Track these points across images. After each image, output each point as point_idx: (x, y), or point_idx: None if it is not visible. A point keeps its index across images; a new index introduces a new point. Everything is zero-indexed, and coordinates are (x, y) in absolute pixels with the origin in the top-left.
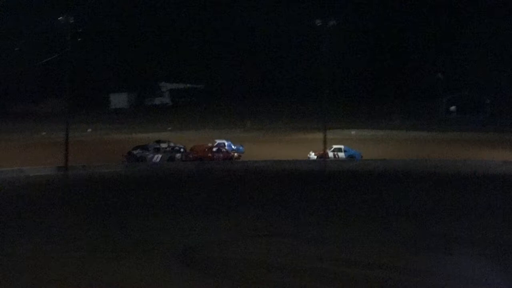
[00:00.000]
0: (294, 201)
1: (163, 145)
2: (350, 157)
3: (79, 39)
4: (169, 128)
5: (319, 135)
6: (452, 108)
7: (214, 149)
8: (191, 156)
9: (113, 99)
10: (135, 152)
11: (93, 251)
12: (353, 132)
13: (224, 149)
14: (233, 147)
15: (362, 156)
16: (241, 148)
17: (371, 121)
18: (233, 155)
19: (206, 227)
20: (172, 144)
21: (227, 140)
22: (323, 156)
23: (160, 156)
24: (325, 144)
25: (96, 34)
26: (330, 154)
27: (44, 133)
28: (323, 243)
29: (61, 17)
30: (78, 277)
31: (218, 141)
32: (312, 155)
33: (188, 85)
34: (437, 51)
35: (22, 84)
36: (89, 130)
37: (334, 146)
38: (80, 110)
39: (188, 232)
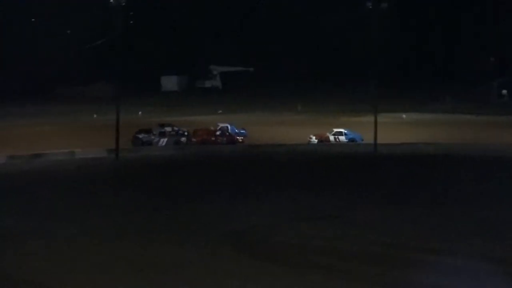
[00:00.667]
0: (343, 185)
1: (168, 129)
2: (351, 141)
3: (131, 22)
4: (220, 111)
5: (370, 118)
6: (504, 92)
7: (218, 133)
8: (194, 140)
9: (164, 82)
10: (140, 136)
11: (140, 233)
12: (404, 116)
13: (227, 133)
14: (236, 130)
15: (362, 139)
16: (243, 131)
17: (422, 105)
18: (237, 139)
19: (252, 211)
20: (176, 128)
21: (230, 123)
22: (324, 139)
23: (165, 140)
24: (376, 127)
25: (148, 16)
26: (331, 138)
27: (95, 115)
28: (369, 226)
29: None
30: (127, 260)
31: (221, 125)
32: (313, 139)
33: (238, 68)
34: (489, 34)
35: (73, 67)
36: (140, 113)
37: (335, 130)
38: (131, 93)
39: (234, 216)
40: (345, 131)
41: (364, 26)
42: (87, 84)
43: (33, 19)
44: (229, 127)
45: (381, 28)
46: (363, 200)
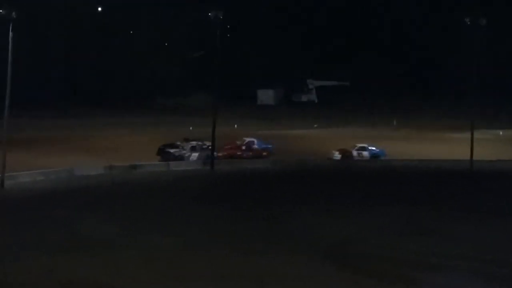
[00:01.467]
0: (440, 200)
1: (193, 143)
2: (374, 156)
3: (228, 35)
4: (316, 125)
5: (466, 135)
6: None
7: (243, 147)
8: (220, 154)
9: (260, 95)
10: (171, 150)
11: (235, 244)
12: (501, 133)
13: (254, 147)
14: (262, 145)
15: (386, 154)
16: (269, 146)
17: None
18: (262, 153)
19: (350, 224)
20: (200, 142)
21: (257, 138)
22: (347, 155)
23: (197, 154)
24: (472, 143)
25: (245, 30)
26: (355, 153)
27: (191, 128)
28: (469, 242)
29: (210, 13)
30: (220, 270)
31: (247, 139)
32: (336, 154)
33: (334, 82)
34: None
35: (172, 78)
36: (236, 125)
37: (359, 145)
38: (228, 105)
39: (333, 228)
40: (369, 146)
41: (464, 41)
42: (186, 96)
43: (131, 31)
44: (255, 141)
45: (481, 44)
46: (462, 214)
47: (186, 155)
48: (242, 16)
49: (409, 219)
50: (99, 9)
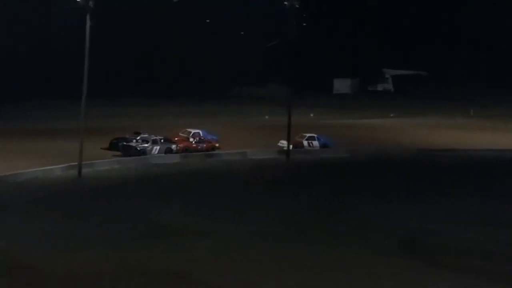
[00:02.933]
0: None
1: (144, 136)
2: (324, 146)
3: (304, 24)
4: (392, 115)
5: None
6: None
7: (191, 140)
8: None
9: (336, 84)
10: (134, 144)
11: (306, 234)
12: None
13: (207, 139)
14: (208, 136)
15: (334, 144)
16: (215, 137)
17: None
18: (215, 145)
19: (423, 214)
20: (154, 136)
21: (201, 129)
22: (297, 145)
23: (158, 147)
24: None
25: (321, 18)
26: (305, 143)
27: (267, 117)
28: None
29: (286, 2)
30: (298, 261)
31: (192, 131)
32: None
33: (411, 71)
34: None
35: (247, 68)
36: (312, 115)
37: (307, 135)
38: (303, 95)
39: (405, 219)
40: (318, 136)
41: None
42: (261, 85)
43: (207, 20)
44: (200, 132)
45: None
46: None
47: (149, 148)
48: (318, 5)
49: (485, 211)
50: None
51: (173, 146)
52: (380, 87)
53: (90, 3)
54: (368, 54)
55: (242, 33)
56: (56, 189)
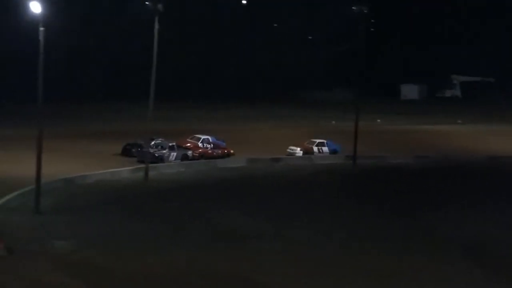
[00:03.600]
0: None
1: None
2: (333, 152)
3: (372, 29)
4: (459, 121)
5: None
6: None
7: (200, 145)
8: (196, 154)
9: (404, 90)
10: (151, 150)
11: (373, 240)
12: None
13: (221, 145)
14: (216, 141)
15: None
16: (224, 142)
17: None
18: (231, 151)
19: (492, 221)
20: (163, 140)
21: (210, 135)
22: (307, 151)
23: (175, 154)
24: None
25: (389, 24)
26: (315, 149)
27: (333, 122)
28: None
29: (355, 7)
30: (368, 267)
31: (202, 137)
32: (298, 151)
33: (479, 78)
34: None
35: (316, 72)
36: (379, 120)
37: (317, 140)
38: (371, 100)
39: (473, 225)
40: (327, 142)
41: None
42: (327, 90)
43: (275, 24)
44: (210, 138)
45: None
46: None
47: (166, 155)
48: (387, 10)
49: None
50: (244, 1)
51: (189, 153)
52: (448, 93)
53: (159, 6)
54: (437, 60)
55: (310, 37)
56: (124, 191)
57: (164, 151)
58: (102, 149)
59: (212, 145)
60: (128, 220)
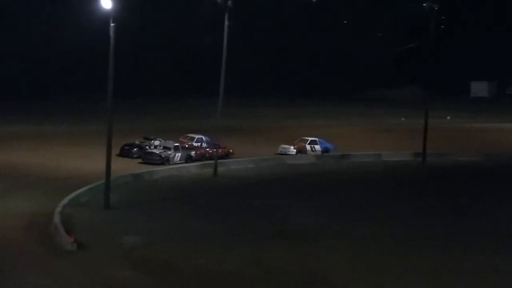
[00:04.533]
0: None
1: (156, 143)
2: (325, 151)
3: (442, 26)
4: None
5: None
6: None
7: (196, 144)
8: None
9: (474, 87)
10: (157, 151)
11: (438, 239)
12: None
13: (221, 144)
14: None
15: (335, 149)
16: (216, 143)
17: None
18: (230, 150)
19: None
20: (162, 140)
21: (204, 134)
22: (301, 149)
23: (179, 154)
24: None
25: (459, 21)
26: (308, 147)
27: (403, 118)
28: None
29: (425, 4)
30: (430, 266)
31: (196, 136)
32: (291, 149)
33: None
34: None
35: (381, 69)
36: (449, 117)
37: (310, 139)
38: (440, 97)
39: None
40: (319, 140)
41: None
42: (395, 88)
43: (345, 21)
44: (204, 138)
45: None
46: None
47: (172, 155)
48: (457, 8)
49: None
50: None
51: (193, 153)
52: None
53: (229, 2)
54: (507, 56)
55: (379, 34)
56: (192, 187)
57: (170, 152)
58: None
59: (206, 144)
60: (196, 216)
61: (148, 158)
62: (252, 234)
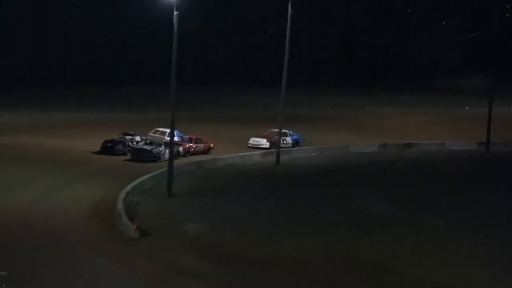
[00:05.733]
0: None
1: (137, 138)
2: (296, 143)
3: (507, 15)
4: None
5: None
6: None
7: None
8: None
9: None
10: (148, 148)
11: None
12: None
13: (203, 140)
14: (182, 136)
15: (305, 140)
16: (187, 137)
17: None
18: (211, 145)
19: None
20: (140, 136)
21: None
22: (274, 142)
23: (167, 150)
24: None
25: None
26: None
27: (467, 108)
28: None
29: None
30: (492, 257)
31: (167, 131)
32: (264, 142)
33: None
34: None
35: (449, 59)
36: (467, 108)
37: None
38: (507, 86)
39: None
40: (289, 132)
41: None
42: (463, 77)
43: (408, 10)
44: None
45: None
46: None
47: (162, 152)
48: None
49: None
50: None
51: (180, 149)
52: None
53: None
54: None
55: (443, 23)
56: (255, 175)
57: (161, 148)
58: (235, 134)
59: (180, 139)
60: (260, 204)
61: (139, 156)
62: (319, 222)
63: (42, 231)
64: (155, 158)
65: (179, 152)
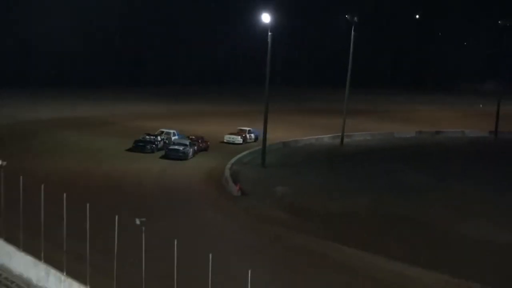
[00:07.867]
0: None
1: (159, 138)
2: (256, 138)
3: None
4: None
5: None
6: None
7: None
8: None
9: None
10: (180, 148)
11: None
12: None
13: (204, 138)
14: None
15: (258, 135)
16: (193, 137)
17: None
18: (208, 143)
19: None
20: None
21: (175, 129)
22: (244, 137)
23: (191, 149)
24: None
25: None
26: (247, 136)
27: (481, 105)
28: None
29: None
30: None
31: (166, 130)
32: (239, 139)
33: None
34: None
35: (470, 68)
36: (481, 105)
37: (247, 129)
38: None
39: None
40: (252, 129)
41: None
42: (481, 82)
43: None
44: (171, 132)
45: None
46: None
47: (189, 151)
48: None
49: None
50: None
51: (195, 148)
52: None
53: (355, 18)
54: None
55: (465, 43)
56: (325, 152)
57: (188, 148)
58: (316, 122)
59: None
60: (328, 173)
61: (173, 155)
62: (373, 188)
63: (172, 190)
64: (184, 156)
65: (195, 150)
